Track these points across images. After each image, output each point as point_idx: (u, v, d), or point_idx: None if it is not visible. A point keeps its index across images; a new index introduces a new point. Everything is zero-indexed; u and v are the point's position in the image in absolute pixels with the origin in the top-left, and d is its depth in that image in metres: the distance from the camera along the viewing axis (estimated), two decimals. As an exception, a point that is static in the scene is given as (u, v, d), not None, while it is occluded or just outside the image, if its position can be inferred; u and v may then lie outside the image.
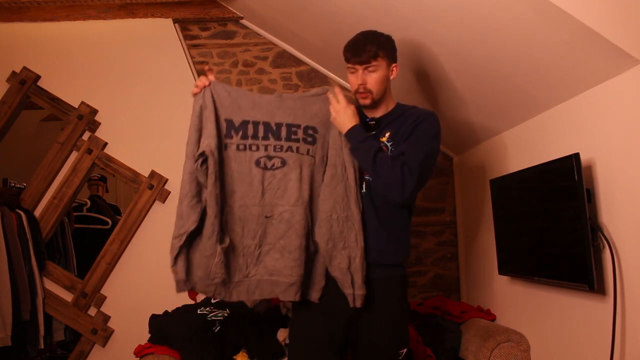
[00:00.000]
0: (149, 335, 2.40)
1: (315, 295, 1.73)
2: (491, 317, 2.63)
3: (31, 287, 2.78)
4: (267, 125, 1.73)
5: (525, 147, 2.29)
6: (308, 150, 1.74)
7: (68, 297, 2.95)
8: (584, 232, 1.70)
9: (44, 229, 2.95)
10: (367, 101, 1.77)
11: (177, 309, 2.49)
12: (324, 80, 3.22)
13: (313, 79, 3.21)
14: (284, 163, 1.72)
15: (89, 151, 3.01)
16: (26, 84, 3.02)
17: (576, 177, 1.72)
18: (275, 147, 1.72)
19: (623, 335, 1.67)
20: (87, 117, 3.03)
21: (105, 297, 2.96)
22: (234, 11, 3.16)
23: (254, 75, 3.20)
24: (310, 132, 1.75)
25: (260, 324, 2.37)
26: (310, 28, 2.86)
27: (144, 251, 2.99)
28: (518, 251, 2.26)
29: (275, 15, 2.98)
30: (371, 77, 1.74)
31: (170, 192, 3.02)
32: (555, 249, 1.93)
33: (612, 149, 1.71)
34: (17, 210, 2.85)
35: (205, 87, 1.72)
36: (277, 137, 1.72)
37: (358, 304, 1.66)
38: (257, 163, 1.71)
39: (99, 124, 3.05)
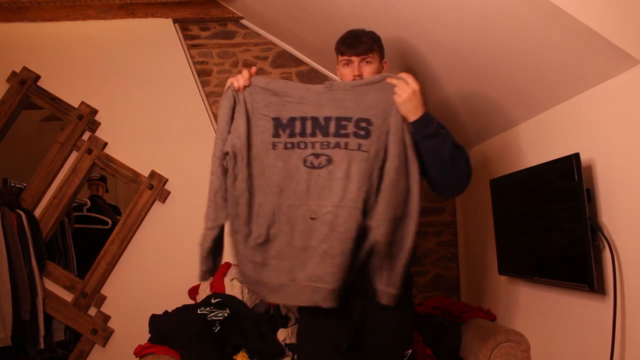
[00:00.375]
0: (149, 335, 2.40)
1: None
2: (491, 317, 2.63)
3: (31, 287, 2.79)
4: (315, 120, 1.62)
5: (525, 147, 2.29)
6: (359, 145, 1.59)
7: (68, 297, 2.96)
8: (584, 232, 1.70)
9: (44, 229, 2.95)
10: None
11: (177, 309, 2.49)
12: (324, 81, 3.21)
13: (313, 79, 3.21)
14: (330, 161, 1.60)
15: (89, 151, 3.01)
16: (26, 84, 3.02)
17: (576, 177, 1.72)
18: (322, 144, 1.61)
19: (623, 335, 1.67)
20: (87, 117, 3.03)
21: (105, 297, 2.96)
22: (234, 11, 3.16)
23: (254, 75, 3.20)
24: (363, 124, 1.60)
25: (260, 324, 2.37)
26: (310, 28, 2.86)
27: (144, 251, 2.99)
28: (518, 251, 2.25)
29: (275, 15, 2.98)
30: (368, 69, 1.73)
31: (170, 192, 3.02)
32: (555, 249, 1.93)
33: (612, 149, 1.71)
34: (17, 210, 2.85)
35: (244, 87, 1.66)
36: (325, 133, 1.61)
37: (385, 300, 1.60)
38: (305, 162, 1.61)
39: (99, 124, 3.05)
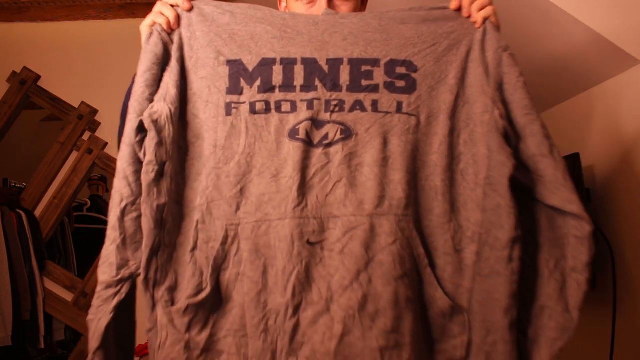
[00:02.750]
0: (149, 335, 2.40)
1: None
2: (491, 317, 2.62)
3: (31, 286, 2.79)
4: (310, 63, 0.92)
5: (525, 147, 2.29)
6: (399, 104, 0.92)
7: (68, 296, 2.96)
8: (584, 232, 1.70)
9: (44, 229, 2.95)
10: None
11: (177, 308, 2.49)
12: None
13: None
14: (348, 133, 0.91)
15: (89, 151, 3.01)
16: (26, 84, 3.02)
17: (576, 177, 1.72)
18: (328, 103, 0.91)
19: (623, 335, 1.67)
20: (87, 117, 3.03)
21: (105, 297, 2.96)
22: (234, 11, 3.16)
23: (254, 75, 3.20)
24: (401, 70, 0.93)
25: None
26: (311, 28, 2.86)
27: (144, 251, 2.99)
28: (518, 251, 2.25)
29: (276, 15, 2.98)
30: (344, 9, 1.04)
31: (170, 192, 3.02)
32: (555, 248, 1.93)
33: (612, 149, 1.71)
34: (17, 210, 2.85)
35: (178, 18, 0.97)
36: (333, 86, 0.92)
37: None
38: (293, 134, 0.90)
39: (99, 124, 3.05)
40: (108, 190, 4.34)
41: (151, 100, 0.90)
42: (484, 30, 0.96)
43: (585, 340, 1.87)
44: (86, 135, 3.04)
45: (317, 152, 0.90)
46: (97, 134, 3.04)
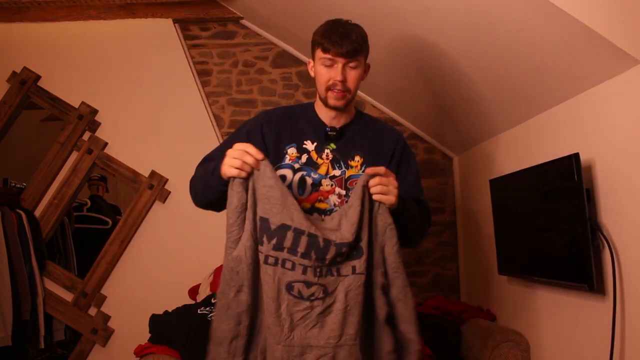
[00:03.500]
0: (149, 335, 2.40)
1: None
2: (491, 317, 2.63)
3: (31, 286, 2.79)
4: (313, 238, 1.31)
5: (525, 147, 2.29)
6: (354, 268, 1.35)
7: (68, 297, 2.96)
8: (584, 232, 1.70)
9: (44, 228, 2.96)
10: (343, 102, 1.50)
11: (177, 308, 2.49)
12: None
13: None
14: (326, 292, 1.34)
15: (89, 151, 3.01)
16: (26, 84, 3.02)
17: (576, 177, 1.72)
18: (316, 270, 1.32)
19: (623, 335, 1.67)
20: (87, 117, 3.03)
21: (105, 297, 2.96)
22: (234, 11, 3.16)
23: (254, 75, 3.21)
24: (354, 243, 1.36)
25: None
26: (310, 28, 2.85)
27: (144, 251, 2.99)
28: (518, 251, 2.25)
29: (275, 15, 2.98)
30: (353, 74, 1.48)
31: (170, 192, 3.02)
32: (555, 249, 1.93)
33: (612, 149, 1.71)
34: (18, 210, 2.86)
35: (250, 173, 1.33)
36: (321, 258, 1.32)
37: None
38: (290, 288, 1.32)
39: (99, 124, 3.05)
40: (108, 190, 4.34)
41: (239, 239, 1.31)
42: (378, 207, 1.37)
43: (585, 340, 1.88)
44: (86, 135, 3.04)
45: (304, 305, 1.32)
46: (97, 134, 3.04)
